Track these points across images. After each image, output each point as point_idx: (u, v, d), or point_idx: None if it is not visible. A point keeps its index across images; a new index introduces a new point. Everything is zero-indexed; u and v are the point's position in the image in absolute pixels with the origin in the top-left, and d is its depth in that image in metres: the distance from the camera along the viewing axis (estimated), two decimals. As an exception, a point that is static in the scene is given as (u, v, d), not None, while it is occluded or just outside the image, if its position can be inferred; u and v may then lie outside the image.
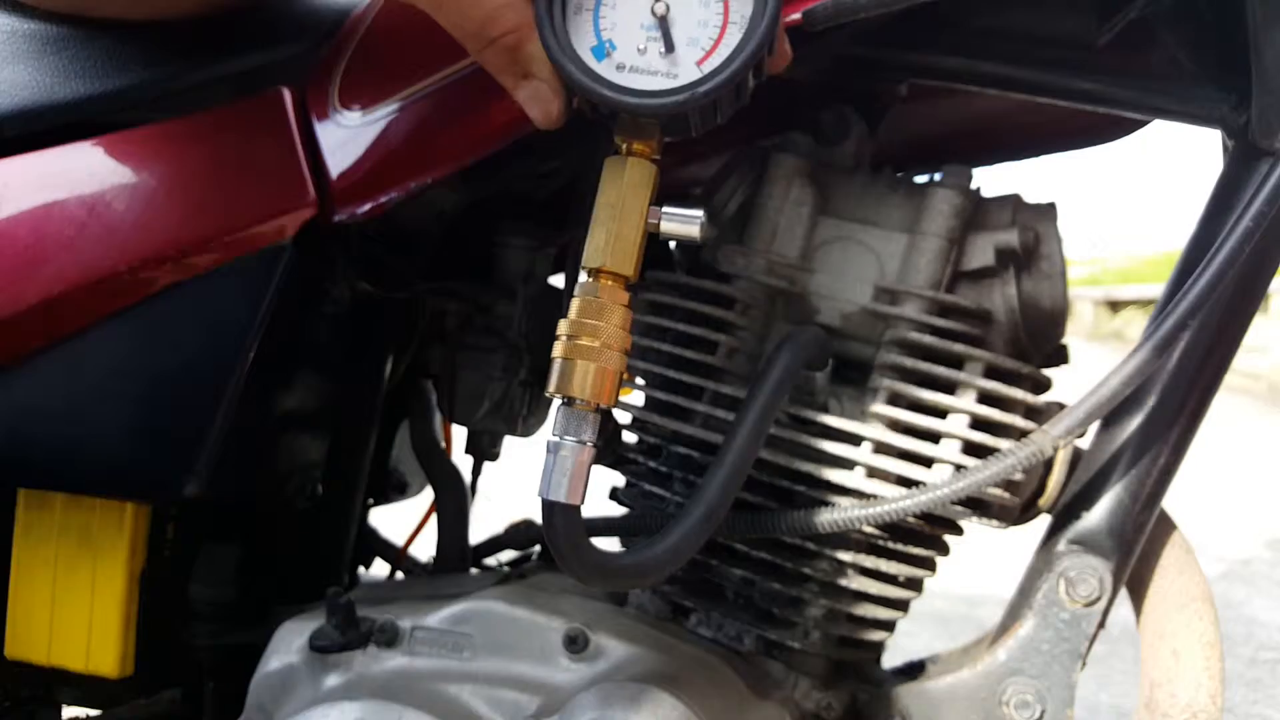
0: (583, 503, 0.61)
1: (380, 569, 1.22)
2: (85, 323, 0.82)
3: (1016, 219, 0.80)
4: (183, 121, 0.85)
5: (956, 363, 0.76)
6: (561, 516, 0.61)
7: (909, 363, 0.76)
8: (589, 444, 0.60)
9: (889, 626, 0.84)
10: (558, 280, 1.07)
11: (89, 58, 0.89)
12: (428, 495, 1.12)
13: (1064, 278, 0.80)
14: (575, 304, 0.61)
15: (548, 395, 0.61)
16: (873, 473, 0.76)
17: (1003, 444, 0.74)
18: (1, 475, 0.88)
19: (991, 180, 0.93)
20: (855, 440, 0.76)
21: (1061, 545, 0.78)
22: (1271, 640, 2.85)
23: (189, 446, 0.81)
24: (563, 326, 0.61)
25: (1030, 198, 0.83)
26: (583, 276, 0.62)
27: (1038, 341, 0.80)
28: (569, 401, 0.60)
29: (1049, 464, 0.80)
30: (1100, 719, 2.30)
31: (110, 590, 0.89)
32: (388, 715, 0.73)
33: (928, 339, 0.75)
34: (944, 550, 0.82)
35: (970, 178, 0.79)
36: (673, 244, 0.92)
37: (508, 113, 0.73)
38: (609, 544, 0.96)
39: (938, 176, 0.80)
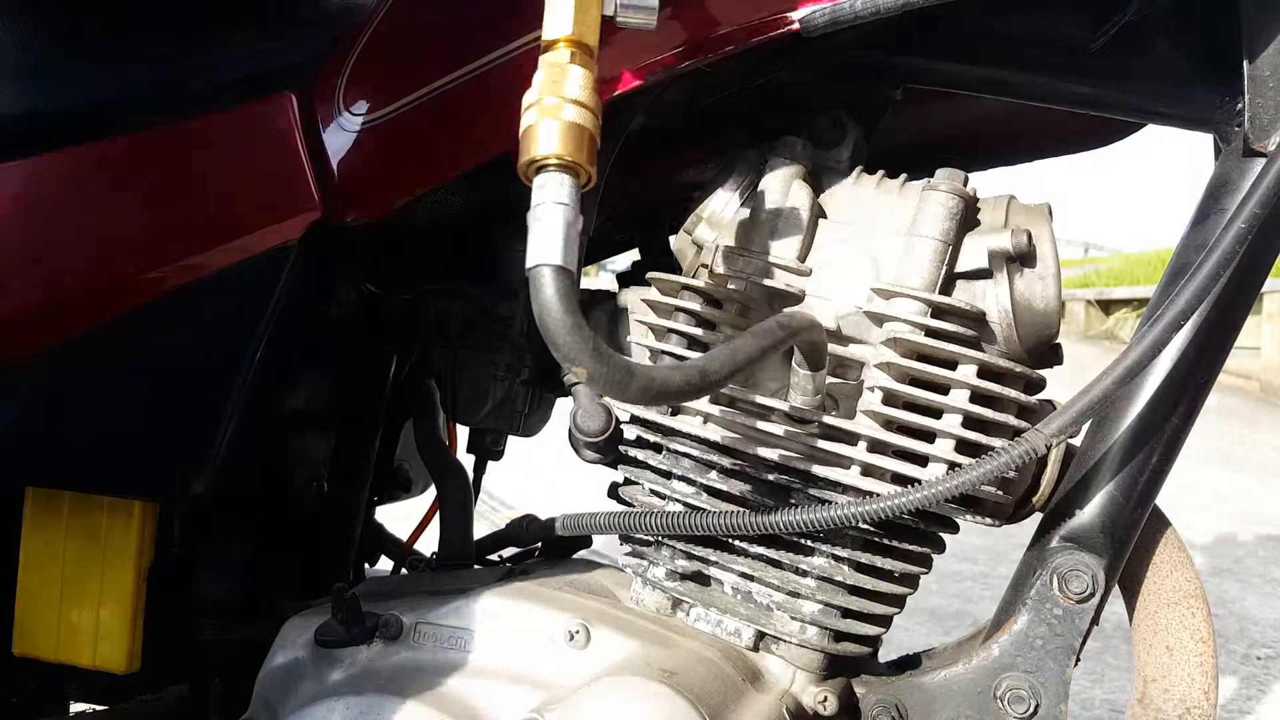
0: (577, 275, 0.55)
1: (385, 565, 1.23)
2: (92, 324, 0.83)
3: (1010, 221, 0.81)
4: (189, 125, 0.86)
5: (951, 363, 0.77)
6: (556, 281, 0.54)
7: (904, 363, 0.77)
8: (574, 208, 0.55)
9: (885, 622, 0.85)
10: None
11: (96, 61, 0.90)
12: (432, 493, 1.13)
13: (1057, 279, 0.81)
14: (539, 76, 0.57)
15: (520, 172, 0.56)
16: (868, 470, 0.77)
17: (996, 443, 0.75)
18: (10, 474, 0.89)
19: (986, 182, 0.95)
20: (851, 439, 0.77)
21: (1054, 542, 0.79)
22: (1265, 637, 2.87)
23: (196, 445, 0.82)
24: (526, 99, 0.57)
25: (1024, 199, 0.84)
26: (543, 53, 0.58)
27: (1031, 342, 0.82)
28: (543, 168, 0.56)
29: (1042, 462, 0.81)
30: (1094, 714, 2.31)
31: (118, 587, 0.90)
32: (392, 709, 0.74)
33: (922, 339, 0.77)
34: (939, 547, 0.84)
35: (965, 180, 0.80)
36: (673, 243, 0.93)
37: (512, 117, 0.74)
38: (608, 541, 0.98)
39: (932, 179, 0.81)
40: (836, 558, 0.79)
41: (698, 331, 0.80)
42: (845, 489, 0.77)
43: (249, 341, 0.81)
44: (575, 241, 0.54)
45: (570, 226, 0.54)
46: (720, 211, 0.85)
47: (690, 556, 0.83)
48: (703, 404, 0.80)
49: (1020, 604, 0.79)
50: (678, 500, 0.82)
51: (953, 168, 0.80)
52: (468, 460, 1.12)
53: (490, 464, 1.14)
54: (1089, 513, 0.78)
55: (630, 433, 0.87)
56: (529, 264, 0.54)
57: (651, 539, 0.84)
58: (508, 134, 0.76)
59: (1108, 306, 9.43)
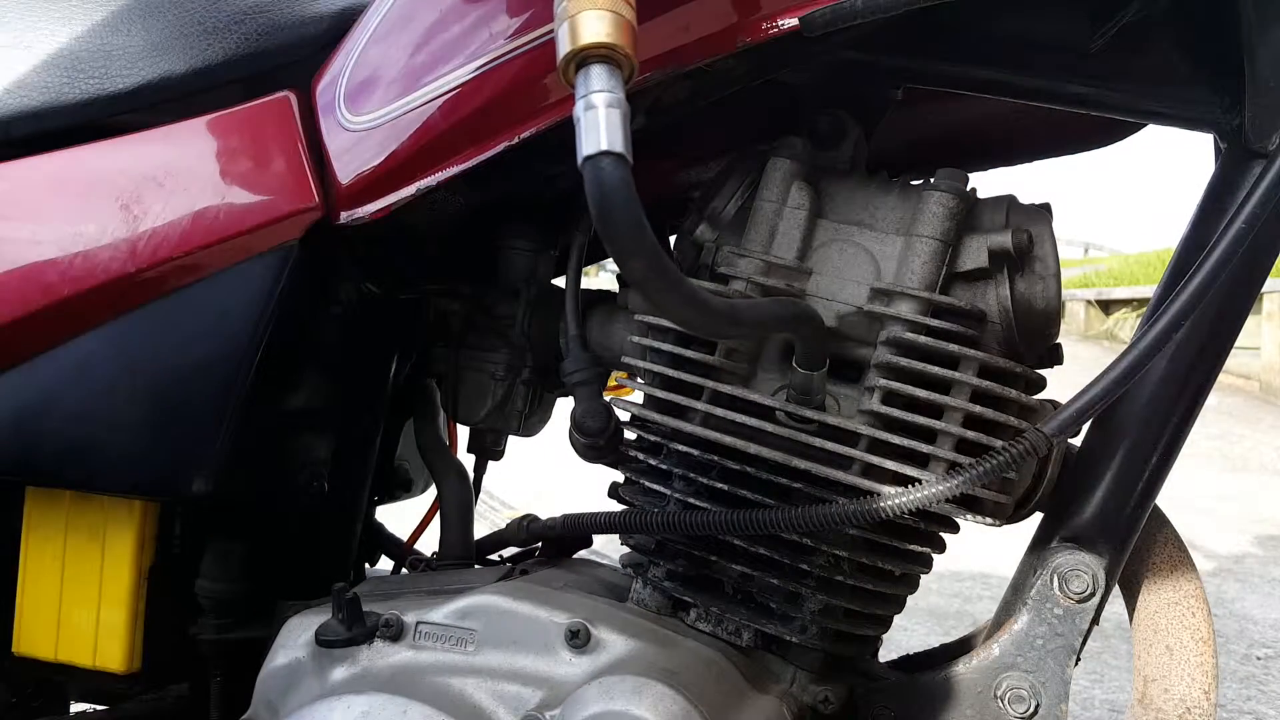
0: (630, 162, 0.51)
1: (385, 565, 1.23)
2: (94, 323, 0.83)
3: (1010, 221, 0.81)
4: (190, 124, 0.87)
5: (951, 362, 0.77)
6: (617, 170, 0.50)
7: (904, 362, 0.77)
8: (624, 98, 0.52)
9: (885, 622, 0.85)
10: (560, 282, 1.08)
11: (97, 59, 0.90)
12: (432, 493, 1.13)
13: (1057, 279, 0.81)
14: None
15: (561, 70, 0.53)
16: (869, 470, 0.77)
17: (997, 442, 0.75)
18: (10, 474, 0.89)
19: (986, 182, 0.95)
20: (852, 438, 0.77)
21: (1055, 542, 0.79)
22: (1264, 637, 2.87)
23: (197, 444, 0.82)
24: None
25: (1024, 199, 0.84)
26: None
27: (1031, 341, 0.82)
28: (584, 62, 0.53)
29: (1043, 462, 0.81)
30: (1094, 714, 2.31)
31: (118, 586, 0.90)
32: (392, 708, 0.74)
33: (922, 339, 0.77)
34: (940, 547, 0.84)
35: (965, 180, 0.80)
36: (672, 244, 0.93)
37: (512, 114, 0.74)
38: (608, 541, 0.98)
39: (933, 179, 0.81)
40: (836, 558, 0.79)
41: (698, 331, 0.80)
42: (845, 489, 0.77)
43: (249, 341, 0.82)
44: (628, 128, 0.51)
45: (624, 116, 0.51)
46: (720, 211, 0.85)
47: (690, 556, 0.83)
48: (703, 404, 0.80)
49: (1020, 604, 0.79)
50: (678, 500, 0.82)
51: (953, 168, 0.80)
52: (468, 460, 1.13)
53: (490, 464, 1.15)
54: (1089, 513, 0.78)
55: (630, 433, 0.87)
56: (585, 153, 0.50)
57: (651, 539, 0.84)
58: (508, 133, 0.76)
59: (1108, 306, 9.43)
